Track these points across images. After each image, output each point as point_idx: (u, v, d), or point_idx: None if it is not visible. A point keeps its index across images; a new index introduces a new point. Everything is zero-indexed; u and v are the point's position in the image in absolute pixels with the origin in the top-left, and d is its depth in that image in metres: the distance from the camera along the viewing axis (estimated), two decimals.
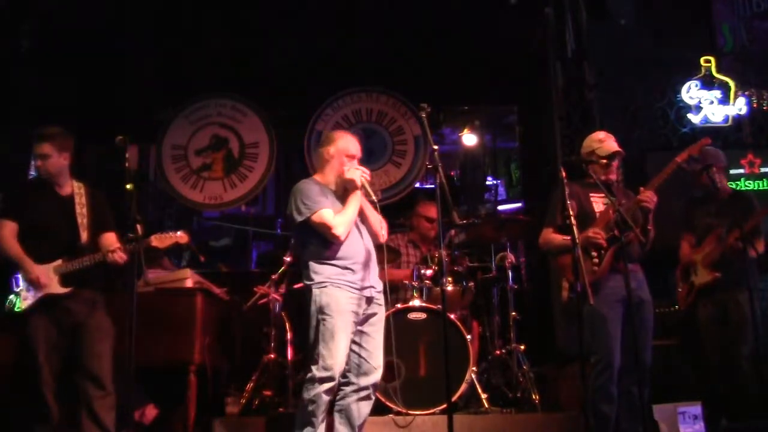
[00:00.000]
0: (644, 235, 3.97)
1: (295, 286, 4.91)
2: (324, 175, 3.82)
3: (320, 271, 3.61)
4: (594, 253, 3.95)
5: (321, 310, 3.54)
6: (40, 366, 3.74)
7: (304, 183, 3.76)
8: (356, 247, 3.68)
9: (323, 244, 3.63)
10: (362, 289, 3.63)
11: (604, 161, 4.08)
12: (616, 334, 3.88)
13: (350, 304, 3.58)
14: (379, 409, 4.41)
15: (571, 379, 4.64)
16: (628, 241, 3.90)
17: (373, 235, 3.80)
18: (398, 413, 4.36)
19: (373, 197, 3.74)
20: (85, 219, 3.95)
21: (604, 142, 4.12)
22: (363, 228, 3.78)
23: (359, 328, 3.65)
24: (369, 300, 3.68)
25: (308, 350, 3.64)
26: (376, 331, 3.71)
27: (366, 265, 3.68)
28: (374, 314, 3.71)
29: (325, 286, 3.58)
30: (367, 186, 3.70)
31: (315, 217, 3.58)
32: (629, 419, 3.91)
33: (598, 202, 4.05)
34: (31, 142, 4.00)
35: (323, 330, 3.52)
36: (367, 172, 3.73)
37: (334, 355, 3.48)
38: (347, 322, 3.56)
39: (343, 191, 3.73)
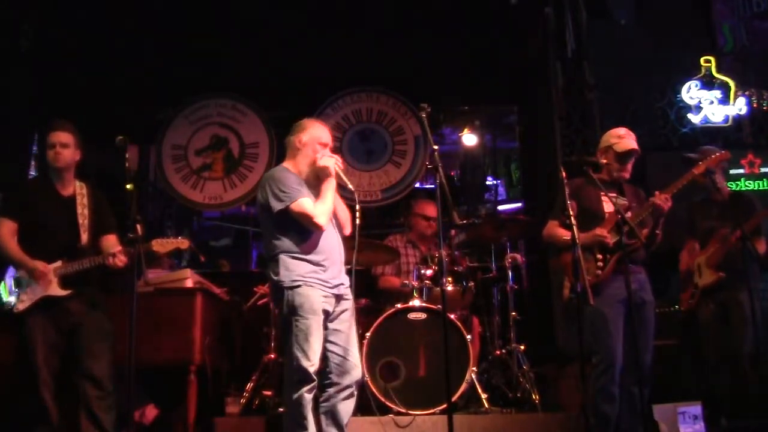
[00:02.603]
0: (652, 240, 3.97)
1: None
2: (296, 164, 3.69)
3: (293, 268, 3.50)
4: (599, 256, 3.95)
5: (294, 311, 3.45)
6: (39, 367, 3.74)
7: (279, 171, 3.65)
8: (330, 241, 3.61)
9: (300, 236, 3.52)
10: (333, 287, 3.57)
11: (604, 161, 4.08)
12: (617, 334, 3.88)
13: (322, 303, 3.51)
14: (379, 409, 4.41)
15: (571, 379, 4.64)
16: (633, 249, 3.90)
17: (339, 227, 3.72)
18: (398, 413, 4.36)
19: (350, 186, 3.66)
20: (86, 220, 3.95)
21: (623, 138, 4.08)
22: (333, 221, 3.69)
23: (332, 327, 3.58)
24: (339, 297, 3.62)
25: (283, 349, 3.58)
26: (349, 327, 3.64)
27: (336, 260, 3.62)
28: (344, 311, 3.65)
29: (298, 286, 3.47)
30: (341, 173, 3.63)
31: (295, 206, 3.47)
32: (629, 419, 3.91)
33: (609, 202, 3.99)
34: (45, 132, 3.97)
35: (297, 332, 3.44)
36: (340, 159, 3.68)
37: (310, 356, 3.41)
38: (320, 321, 3.49)
39: (315, 180, 3.63)
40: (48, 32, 6.25)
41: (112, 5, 6.15)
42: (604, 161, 4.09)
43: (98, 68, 6.41)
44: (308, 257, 3.53)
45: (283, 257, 3.53)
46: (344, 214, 3.74)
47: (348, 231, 3.75)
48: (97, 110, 6.32)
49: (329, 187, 3.58)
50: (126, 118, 6.44)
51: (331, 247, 3.61)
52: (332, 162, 3.60)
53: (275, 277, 3.53)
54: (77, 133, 3.99)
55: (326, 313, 3.55)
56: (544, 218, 4.29)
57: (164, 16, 6.30)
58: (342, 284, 3.64)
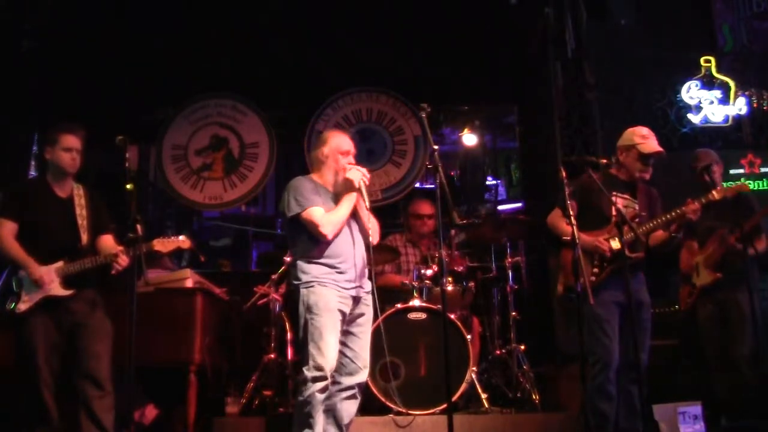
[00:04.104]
0: (671, 243, 4.01)
1: None
2: (321, 175, 3.82)
3: (308, 271, 3.60)
4: (596, 262, 3.95)
5: (309, 309, 3.54)
6: (40, 367, 3.73)
7: (299, 180, 3.77)
8: (346, 246, 3.67)
9: (312, 241, 3.63)
10: (350, 288, 3.63)
11: (604, 160, 4.09)
12: (613, 334, 3.90)
13: (338, 302, 3.57)
14: (379, 409, 4.42)
15: (571, 379, 4.64)
16: (634, 262, 3.90)
17: (365, 236, 3.79)
18: (398, 413, 4.36)
19: (368, 202, 3.73)
20: (85, 221, 3.94)
21: (648, 139, 4.05)
22: (356, 228, 3.77)
23: (346, 328, 3.64)
24: (356, 300, 3.67)
25: (299, 350, 3.64)
26: (363, 332, 3.70)
27: (355, 265, 3.67)
28: (362, 315, 3.71)
29: (312, 286, 3.57)
30: (363, 189, 3.69)
31: (305, 214, 3.59)
32: (627, 418, 3.92)
33: (618, 204, 3.95)
34: (55, 132, 3.93)
35: (312, 329, 3.51)
36: (368, 175, 3.74)
37: (324, 353, 3.47)
38: (335, 320, 3.55)
39: (341, 189, 3.73)
40: (48, 32, 6.25)
41: (113, 5, 6.15)
42: (604, 160, 4.09)
43: (98, 68, 6.41)
44: (322, 260, 3.62)
45: (299, 262, 3.65)
46: (372, 224, 3.78)
47: (376, 240, 3.83)
48: (97, 110, 6.32)
49: (347, 201, 3.68)
50: (126, 118, 6.44)
51: (348, 251, 3.67)
52: (358, 177, 3.68)
53: (294, 282, 3.65)
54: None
55: (342, 314, 3.59)
56: (544, 218, 4.28)
57: (164, 16, 6.30)
58: (360, 287, 3.68)
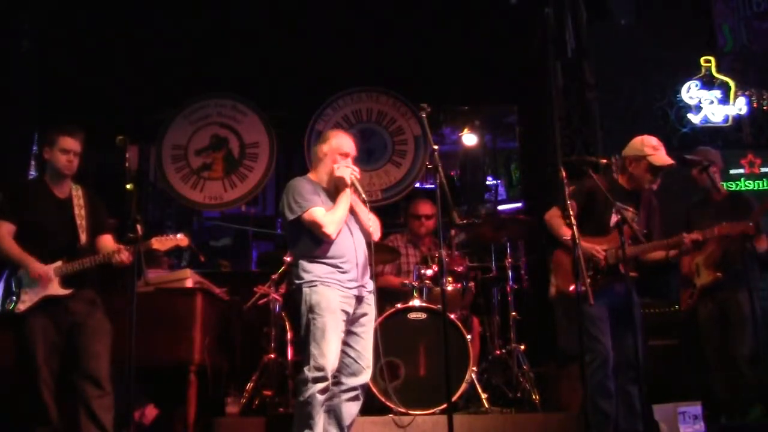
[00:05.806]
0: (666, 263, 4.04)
1: None
2: (317, 173, 3.82)
3: (310, 270, 3.59)
4: (591, 272, 3.93)
5: (311, 309, 3.52)
6: (39, 367, 3.73)
7: (297, 181, 3.76)
8: (347, 245, 3.66)
9: (314, 242, 3.62)
10: (352, 288, 3.62)
11: (604, 161, 4.08)
12: (606, 330, 3.91)
13: (341, 302, 3.56)
14: (379, 409, 4.42)
15: (571, 379, 4.64)
16: (629, 277, 3.90)
17: (366, 234, 3.78)
18: (398, 413, 4.36)
19: (363, 195, 3.73)
20: (84, 221, 3.95)
21: (659, 150, 4.01)
22: (355, 226, 3.76)
23: (349, 328, 3.63)
24: (359, 299, 3.67)
25: (300, 350, 3.63)
26: (366, 331, 3.69)
27: (357, 263, 3.67)
28: (364, 314, 3.70)
29: (315, 285, 3.56)
30: (357, 184, 3.70)
31: (306, 215, 3.58)
32: (627, 419, 3.92)
33: (617, 216, 3.88)
34: (54, 134, 3.92)
35: (314, 329, 3.50)
36: (357, 170, 3.73)
37: (326, 354, 3.45)
38: (338, 320, 3.54)
39: (334, 189, 3.73)
40: (48, 32, 6.25)
41: (112, 5, 6.15)
42: (604, 160, 4.09)
43: (98, 68, 6.41)
44: (324, 260, 3.61)
45: (301, 262, 3.64)
46: (372, 222, 3.78)
47: (377, 237, 3.83)
48: (97, 110, 6.32)
49: (343, 198, 3.67)
50: (126, 118, 6.44)
51: (350, 250, 3.66)
52: (348, 172, 3.68)
53: (296, 281, 3.64)
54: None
55: (346, 314, 3.58)
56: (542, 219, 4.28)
57: (164, 17, 6.30)
58: (363, 287, 3.68)
